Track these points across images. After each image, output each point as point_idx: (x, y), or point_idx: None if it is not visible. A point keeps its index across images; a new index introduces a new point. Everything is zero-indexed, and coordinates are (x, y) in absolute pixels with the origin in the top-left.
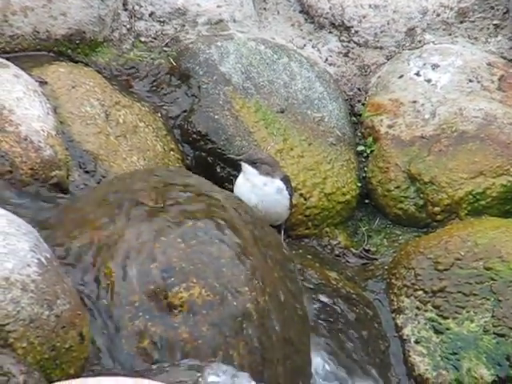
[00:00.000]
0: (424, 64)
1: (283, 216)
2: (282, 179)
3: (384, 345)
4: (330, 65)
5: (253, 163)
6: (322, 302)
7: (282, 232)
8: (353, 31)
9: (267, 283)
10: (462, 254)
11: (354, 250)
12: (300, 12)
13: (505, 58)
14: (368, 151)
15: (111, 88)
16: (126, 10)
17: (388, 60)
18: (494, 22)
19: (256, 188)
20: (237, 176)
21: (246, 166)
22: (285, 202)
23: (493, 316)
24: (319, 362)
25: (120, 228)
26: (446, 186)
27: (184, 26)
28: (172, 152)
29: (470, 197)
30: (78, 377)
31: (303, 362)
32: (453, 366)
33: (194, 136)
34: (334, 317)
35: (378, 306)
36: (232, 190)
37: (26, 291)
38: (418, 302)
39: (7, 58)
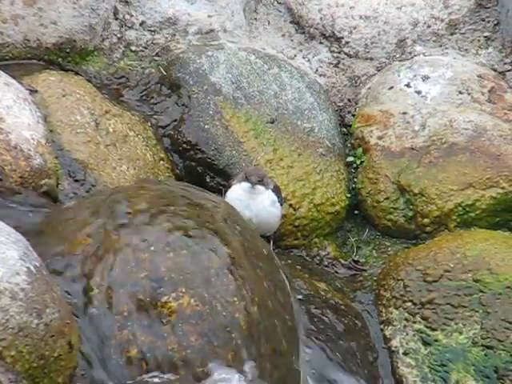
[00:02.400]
0: (414, 75)
1: (275, 227)
2: (272, 190)
3: (372, 356)
4: (321, 75)
5: (246, 178)
6: (310, 312)
7: (271, 242)
8: (343, 42)
9: (256, 293)
10: (451, 265)
11: (342, 261)
12: (291, 22)
13: (495, 70)
14: (358, 162)
15: (101, 97)
16: (116, 19)
17: (378, 71)
18: (485, 34)
19: (251, 204)
20: (226, 187)
21: (241, 184)
22: (277, 213)
23: (481, 328)
24: (307, 373)
25: (109, 237)
26: (435, 197)
27: (175, 35)
28: (162, 161)
29: (460, 209)
30: None
31: (292, 373)
32: (441, 378)
33: (184, 145)
34: (322, 327)
35: (366, 317)
36: None
37: (15, 300)
38: (406, 314)
39: None
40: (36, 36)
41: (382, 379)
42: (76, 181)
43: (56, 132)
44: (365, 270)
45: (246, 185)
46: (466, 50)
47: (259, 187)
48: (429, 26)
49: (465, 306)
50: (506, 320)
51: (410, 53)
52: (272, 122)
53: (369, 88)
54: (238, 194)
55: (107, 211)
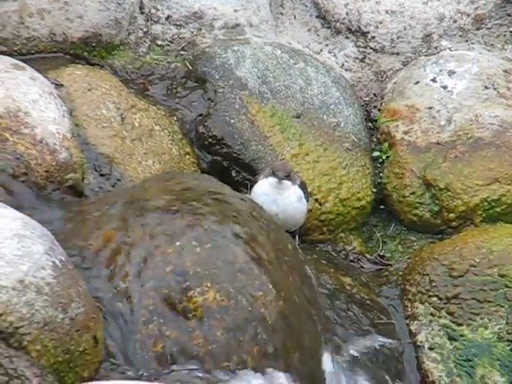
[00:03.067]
0: (440, 70)
1: (300, 222)
2: (299, 185)
3: (398, 351)
4: (347, 70)
5: (272, 173)
6: (336, 307)
7: (297, 237)
8: (369, 37)
9: (282, 288)
10: (477, 260)
11: (368, 256)
12: (317, 17)
13: None
14: (383, 157)
15: (127, 91)
16: (142, 13)
17: (404, 66)
18: (511, 29)
19: (278, 199)
20: (253, 181)
21: (267, 179)
22: (303, 209)
23: (507, 323)
24: (332, 368)
25: (135, 232)
26: (461, 192)
27: (200, 29)
28: (187, 156)
29: (485, 203)
30: (91, 380)
31: (318, 368)
32: (466, 373)
33: (210, 140)
34: (348, 322)
35: (392, 312)
36: (247, 194)
37: (41, 294)
38: (432, 309)
39: (23, 60)
40: (62, 30)
41: (407, 374)
42: (101, 175)
43: (82, 126)
44: (390, 265)
45: (272, 180)
46: (492, 44)
47: (286, 182)
48: (455, 21)
49: (490, 301)
50: None
51: (436, 48)
52: (298, 117)
53: (395, 83)
54: (265, 189)
55: (133, 205)
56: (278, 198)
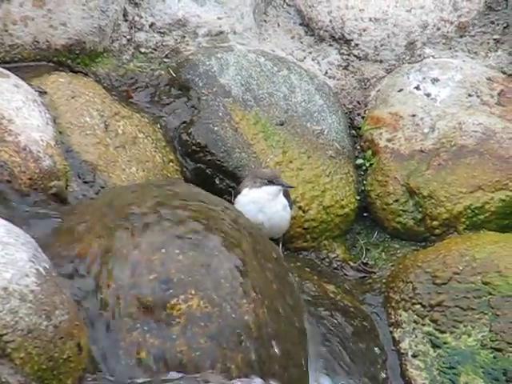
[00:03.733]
0: (424, 78)
1: (284, 230)
2: (283, 194)
3: (381, 358)
4: (330, 78)
5: (270, 182)
6: (319, 315)
7: (281, 245)
8: (353, 44)
9: (266, 296)
10: (460, 268)
11: (352, 264)
12: (300, 25)
13: (504, 72)
14: (367, 164)
15: (111, 98)
16: (126, 20)
17: (388, 73)
18: (494, 37)
19: (266, 207)
20: (237, 191)
21: (264, 188)
22: (287, 217)
23: (490, 330)
24: (316, 375)
25: (119, 240)
26: (444, 200)
27: (184, 37)
28: (171, 163)
29: (469, 211)
30: None
31: (301, 375)
32: (450, 380)
33: (194, 147)
34: (331, 330)
35: (375, 320)
36: (230, 202)
37: (25, 301)
38: (415, 316)
39: (7, 68)
40: (45, 37)
41: (390, 381)
42: (85, 182)
43: (65, 134)
44: (374, 273)
45: (274, 188)
46: (476, 52)
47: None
48: (438, 29)
49: (474, 309)
50: None
51: (420, 55)
52: (281, 124)
53: (378, 90)
54: (254, 197)
55: (116, 212)
56: (267, 207)
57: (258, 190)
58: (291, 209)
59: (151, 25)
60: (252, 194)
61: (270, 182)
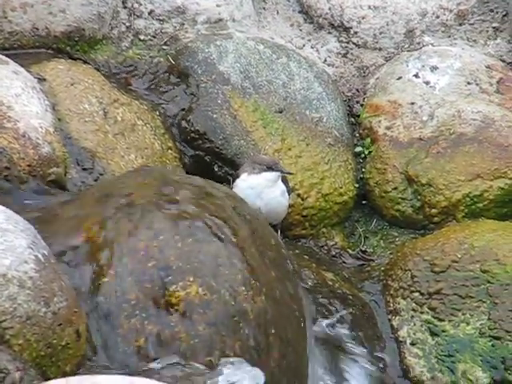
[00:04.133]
0: (423, 66)
1: (282, 216)
2: (281, 180)
3: (380, 346)
4: (329, 65)
5: (269, 168)
6: (318, 302)
7: (279, 232)
8: (352, 32)
9: (264, 283)
10: (459, 256)
11: (350, 251)
12: (299, 12)
13: (504, 60)
14: (366, 152)
15: (110, 86)
16: (125, 7)
17: (387, 61)
18: (494, 25)
19: (264, 193)
20: (235, 176)
21: (264, 174)
22: (285, 203)
23: (489, 319)
24: (315, 363)
25: (117, 226)
26: (443, 188)
27: (183, 24)
28: (170, 150)
29: (468, 199)
30: (74, 374)
31: (300, 363)
32: (448, 369)
33: (192, 135)
34: (330, 317)
35: (374, 307)
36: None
37: (23, 288)
38: (414, 304)
39: (6, 55)
40: (45, 24)
41: (389, 369)
42: (84, 169)
43: (64, 121)
44: (372, 260)
45: (273, 174)
46: (475, 40)
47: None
48: (437, 17)
49: (472, 297)
50: None
51: (419, 43)
52: (280, 112)
53: (377, 78)
54: (253, 183)
55: (115, 199)
56: (265, 192)
57: (256, 176)
58: (289, 195)
59: (150, 12)
60: (251, 180)
61: (269, 168)
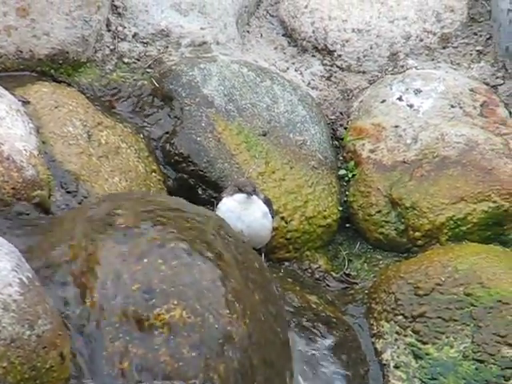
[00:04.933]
0: (406, 89)
1: (266, 239)
2: (264, 201)
3: (364, 369)
4: (313, 88)
5: (239, 190)
6: (302, 325)
7: (263, 255)
8: (336, 55)
9: (248, 306)
10: (443, 279)
11: (334, 274)
12: (283, 35)
13: (487, 84)
14: (350, 175)
15: (94, 108)
16: (109, 30)
17: (370, 84)
18: (477, 48)
19: (243, 215)
20: (218, 199)
21: (234, 197)
22: (268, 225)
23: (472, 342)
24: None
25: (102, 249)
26: (427, 211)
27: (167, 47)
28: (154, 173)
29: (451, 222)
30: None
31: None
32: None
33: (176, 158)
34: (314, 340)
35: (357, 330)
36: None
37: (8, 311)
38: (397, 327)
39: None
40: (29, 47)
41: None
42: (68, 192)
43: (48, 143)
44: (356, 283)
45: (240, 196)
46: (459, 63)
47: (254, 197)
48: (421, 40)
49: (456, 320)
50: (497, 334)
51: (403, 66)
52: (264, 135)
53: (361, 101)
54: (229, 205)
55: (99, 222)
56: (244, 214)
57: (228, 198)
58: (273, 217)
59: (134, 35)
60: (228, 203)
61: (240, 190)
